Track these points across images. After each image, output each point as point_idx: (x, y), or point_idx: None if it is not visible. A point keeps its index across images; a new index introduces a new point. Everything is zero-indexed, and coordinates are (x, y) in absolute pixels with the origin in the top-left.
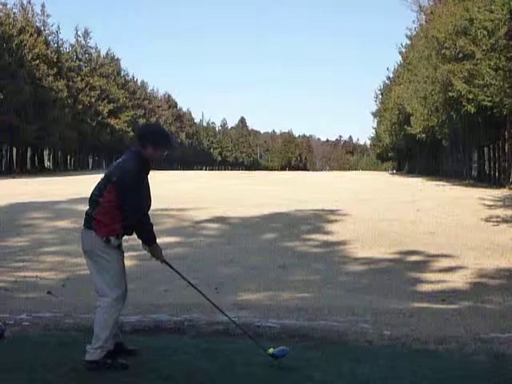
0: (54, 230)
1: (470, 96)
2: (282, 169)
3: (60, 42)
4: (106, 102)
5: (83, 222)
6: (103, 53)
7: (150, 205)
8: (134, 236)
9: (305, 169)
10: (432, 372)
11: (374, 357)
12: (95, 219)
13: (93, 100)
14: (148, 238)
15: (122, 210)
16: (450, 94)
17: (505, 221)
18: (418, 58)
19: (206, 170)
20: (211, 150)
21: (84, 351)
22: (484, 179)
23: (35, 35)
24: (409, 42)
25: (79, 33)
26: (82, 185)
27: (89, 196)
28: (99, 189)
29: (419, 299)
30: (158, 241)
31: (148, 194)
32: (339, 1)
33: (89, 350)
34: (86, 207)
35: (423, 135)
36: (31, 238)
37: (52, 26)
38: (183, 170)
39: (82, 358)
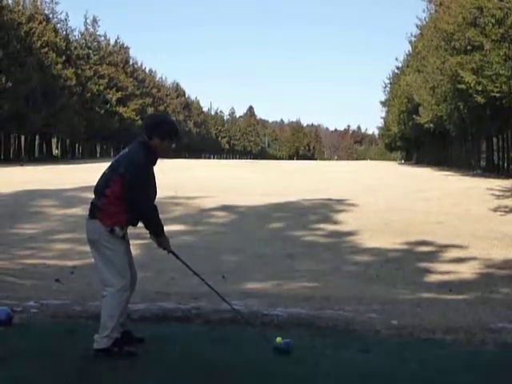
0: (63, 217)
1: (479, 87)
2: (290, 158)
3: (69, 30)
4: (114, 90)
5: (88, 212)
6: (112, 41)
7: (156, 194)
8: (141, 224)
9: (313, 158)
10: (440, 361)
11: (382, 346)
12: (100, 209)
13: (101, 88)
14: (156, 230)
15: (128, 201)
16: (459, 86)
17: None
18: (428, 47)
19: (213, 158)
20: (219, 138)
21: (92, 339)
22: (493, 169)
23: (44, 23)
24: (418, 31)
25: (88, 21)
26: (90, 173)
27: (95, 185)
28: (105, 179)
29: (427, 289)
30: (166, 229)
31: (154, 183)
32: None
33: (96, 339)
34: (93, 195)
35: (431, 125)
36: (40, 225)
37: (60, 13)
38: (191, 158)
39: (90, 346)
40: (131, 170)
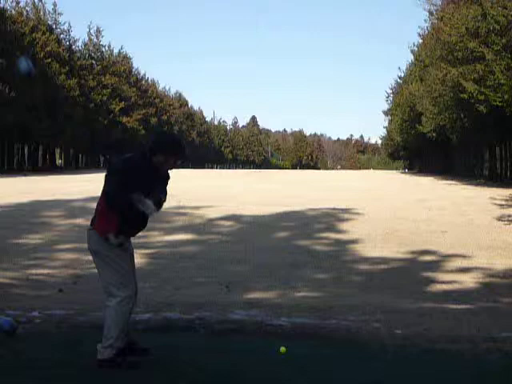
0: (68, 227)
1: (482, 97)
2: (293, 168)
3: (72, 41)
4: (117, 100)
5: (90, 222)
6: (115, 51)
7: (159, 201)
8: (144, 233)
9: (315, 167)
10: (444, 371)
11: (386, 356)
12: (96, 217)
13: (104, 98)
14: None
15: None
16: (462, 95)
17: None
18: (430, 57)
19: (216, 168)
20: (222, 148)
21: (96, 349)
22: (495, 178)
23: (47, 33)
24: (421, 40)
25: (92, 31)
26: (94, 183)
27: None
28: (104, 184)
29: (431, 299)
30: (170, 238)
31: (152, 188)
32: None
33: (99, 349)
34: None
35: (434, 134)
36: (44, 235)
37: (64, 24)
38: (194, 168)
39: (94, 356)
40: (114, 163)
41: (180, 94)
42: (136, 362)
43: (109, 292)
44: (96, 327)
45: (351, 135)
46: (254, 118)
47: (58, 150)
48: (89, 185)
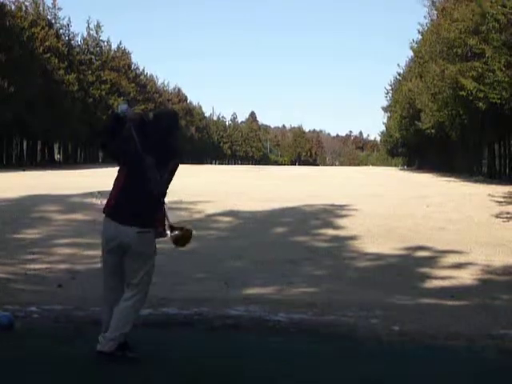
0: (66, 222)
1: (480, 94)
2: (292, 164)
3: (71, 36)
4: (116, 95)
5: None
6: (114, 46)
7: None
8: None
9: (314, 164)
10: (441, 368)
11: (383, 352)
12: (155, 217)
13: (103, 93)
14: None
15: None
16: (461, 92)
17: None
18: (429, 53)
19: (215, 164)
20: (221, 144)
21: (94, 344)
22: (494, 176)
23: (46, 28)
24: (420, 37)
25: (91, 26)
26: (93, 178)
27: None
28: None
29: (428, 295)
30: (169, 233)
31: None
32: None
33: (101, 340)
34: (96, 200)
35: (433, 131)
36: (43, 230)
37: (63, 19)
38: (193, 164)
39: (92, 351)
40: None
41: (179, 90)
42: (135, 357)
43: (139, 289)
44: (94, 322)
45: (350, 131)
46: (252, 114)
47: (56, 145)
48: (88, 180)
